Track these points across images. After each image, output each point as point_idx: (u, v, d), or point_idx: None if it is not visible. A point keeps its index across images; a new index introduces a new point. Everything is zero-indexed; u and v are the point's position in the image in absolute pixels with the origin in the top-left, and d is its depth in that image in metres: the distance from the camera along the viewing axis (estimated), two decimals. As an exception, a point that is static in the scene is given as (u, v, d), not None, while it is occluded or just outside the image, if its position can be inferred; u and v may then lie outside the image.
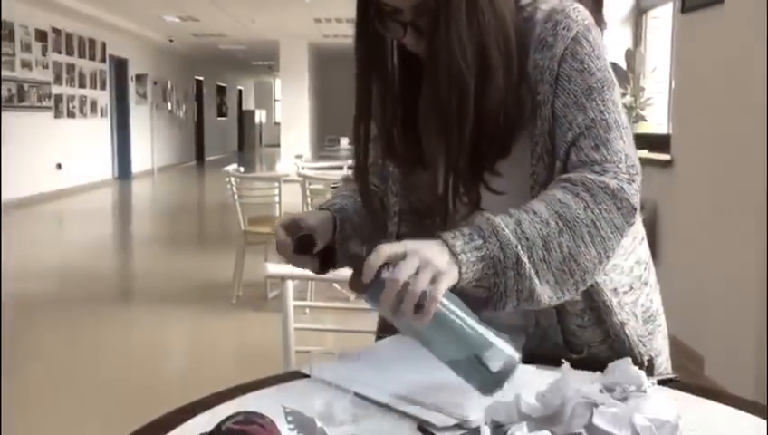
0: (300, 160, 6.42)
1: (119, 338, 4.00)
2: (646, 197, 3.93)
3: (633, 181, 0.92)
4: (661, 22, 4.60)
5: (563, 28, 0.95)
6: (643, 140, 4.27)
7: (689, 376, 3.07)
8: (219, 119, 22.23)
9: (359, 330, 1.57)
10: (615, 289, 1.02)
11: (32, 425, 2.86)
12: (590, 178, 0.90)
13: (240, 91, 25.96)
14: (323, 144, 13.88)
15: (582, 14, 0.97)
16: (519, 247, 0.86)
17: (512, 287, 0.87)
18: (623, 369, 0.81)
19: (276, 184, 4.47)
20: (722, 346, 2.98)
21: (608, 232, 0.90)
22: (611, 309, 1.01)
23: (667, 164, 3.68)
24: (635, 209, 0.92)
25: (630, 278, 1.05)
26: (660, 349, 1.10)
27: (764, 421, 0.85)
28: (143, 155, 14.57)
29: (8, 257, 5.63)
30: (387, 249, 0.83)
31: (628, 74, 4.38)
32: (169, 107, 16.63)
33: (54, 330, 4.12)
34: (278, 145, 15.62)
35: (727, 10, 2.97)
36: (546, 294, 0.88)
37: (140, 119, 14.49)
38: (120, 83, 13.67)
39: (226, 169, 4.61)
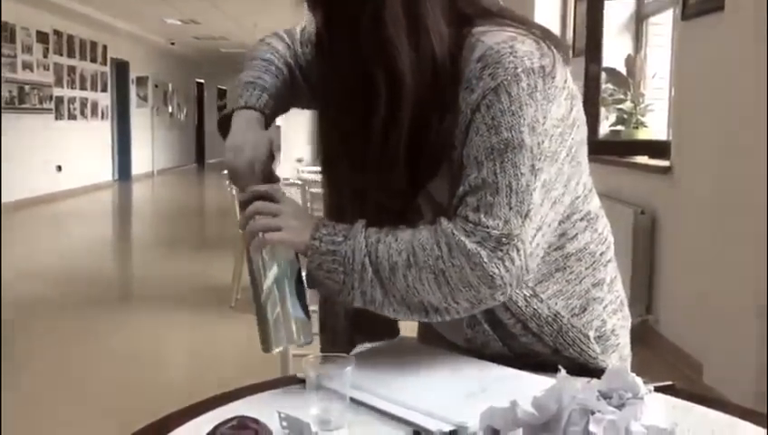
0: (300, 164, 6.43)
1: (118, 341, 4.00)
2: (645, 203, 3.94)
3: (499, 250, 0.90)
4: (661, 28, 4.60)
5: (489, 75, 0.91)
6: (643, 147, 4.27)
7: (688, 383, 3.07)
8: (220, 122, 22.25)
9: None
10: (557, 313, 1.03)
11: (31, 428, 2.85)
12: (455, 235, 0.91)
13: (241, 94, 26.01)
14: (324, 148, 13.89)
15: (519, 60, 0.91)
16: (366, 257, 0.93)
17: (357, 288, 0.94)
18: (620, 375, 0.81)
19: (276, 187, 4.48)
20: (721, 353, 2.98)
21: (458, 284, 0.91)
22: (548, 334, 1.03)
23: (666, 170, 3.68)
24: (490, 276, 0.90)
25: (584, 300, 1.06)
26: None
27: (763, 430, 0.85)
28: (143, 157, 14.57)
29: (7, 260, 5.63)
30: (265, 190, 1.00)
31: (628, 80, 4.39)
32: (170, 110, 16.65)
33: (53, 332, 4.11)
34: (279, 148, 15.64)
35: (727, 17, 2.97)
36: (392, 307, 0.95)
37: (141, 121, 14.50)
38: (121, 86, 13.68)
39: (226, 171, 4.61)
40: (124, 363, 3.62)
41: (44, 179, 10.29)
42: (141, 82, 14.53)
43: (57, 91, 10.87)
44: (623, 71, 4.43)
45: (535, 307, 1.02)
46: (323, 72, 1.03)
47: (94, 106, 12.36)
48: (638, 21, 4.76)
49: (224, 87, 22.61)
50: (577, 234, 1.04)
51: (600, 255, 1.07)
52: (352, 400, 0.87)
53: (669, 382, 0.97)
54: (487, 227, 0.90)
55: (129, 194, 12.43)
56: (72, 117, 11.44)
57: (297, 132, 14.54)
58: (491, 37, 0.93)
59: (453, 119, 0.95)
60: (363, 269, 0.93)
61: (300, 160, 6.84)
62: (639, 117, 4.39)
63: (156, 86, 15.40)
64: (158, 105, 15.64)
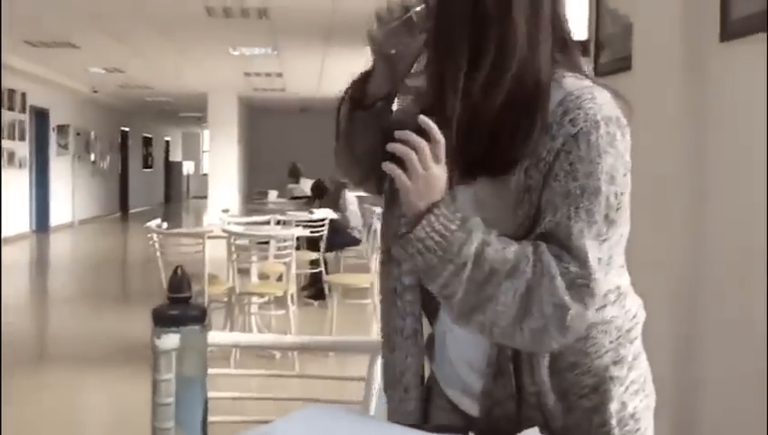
0: (226, 215, 6.33)
1: (32, 404, 3.78)
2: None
3: (574, 288, 0.92)
4: (577, 83, 4.80)
5: (569, 121, 0.94)
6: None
7: None
8: (145, 170, 21.78)
9: (283, 398, 1.54)
10: (567, 390, 1.01)
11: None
12: (547, 257, 0.93)
13: (167, 141, 25.59)
14: (252, 197, 13.79)
15: (597, 107, 0.95)
16: (470, 260, 0.92)
17: (444, 277, 0.92)
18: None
19: (201, 240, 4.39)
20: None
21: (532, 307, 0.92)
22: (556, 410, 1.01)
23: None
24: (563, 307, 0.91)
25: (599, 379, 1.02)
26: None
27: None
28: (63, 207, 14.08)
29: None
30: (437, 136, 0.94)
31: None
32: (92, 158, 16.21)
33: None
34: (205, 197, 15.40)
35: (636, 76, 3.13)
36: (458, 308, 0.94)
37: (61, 170, 14.05)
38: (41, 134, 13.25)
39: (149, 224, 4.50)
40: (39, 427, 3.43)
41: (-45, 232, 9.80)
42: (62, 130, 14.13)
43: (-29, 140, 10.45)
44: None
45: (546, 378, 1.00)
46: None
47: (11, 155, 11.90)
48: (555, 76, 4.96)
49: (149, 135, 22.23)
50: (606, 305, 1.01)
51: (627, 331, 1.04)
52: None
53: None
54: (566, 263, 0.92)
55: (47, 246, 11.95)
56: (-14, 166, 10.99)
57: (224, 182, 14.39)
58: (570, 83, 0.97)
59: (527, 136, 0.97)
60: (463, 266, 0.91)
61: (226, 211, 6.72)
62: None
63: (78, 134, 15.00)
64: (80, 153, 15.20)
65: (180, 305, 0.95)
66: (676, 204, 2.71)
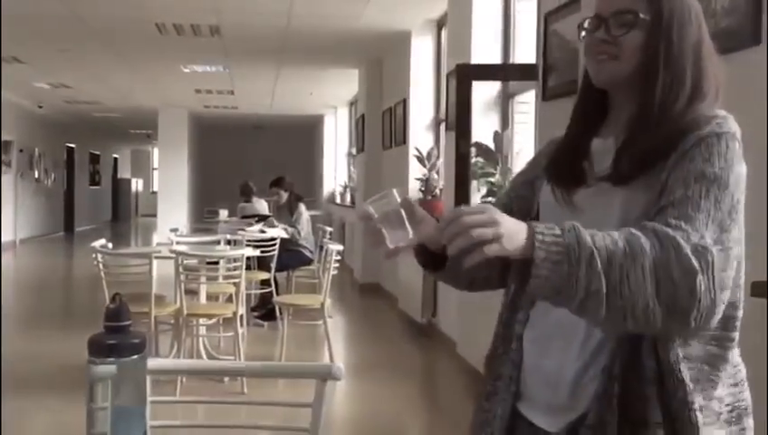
0: (174, 235, 6.21)
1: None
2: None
3: (698, 253, 0.95)
4: (527, 106, 4.89)
5: (717, 123, 1.05)
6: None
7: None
8: (92, 187, 21.30)
9: (230, 425, 1.50)
10: (685, 382, 1.02)
11: None
12: (664, 230, 0.96)
13: (116, 159, 25.08)
14: (202, 216, 13.59)
15: (736, 129, 1.07)
16: (594, 249, 0.94)
17: (583, 278, 0.93)
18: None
19: (147, 260, 4.29)
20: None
21: (663, 277, 0.94)
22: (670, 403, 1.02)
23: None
24: (695, 271, 0.94)
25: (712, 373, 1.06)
26: None
27: None
28: (5, 226, 13.64)
29: None
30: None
31: (496, 155, 4.60)
32: (36, 175, 15.78)
33: None
34: (155, 215, 15.12)
35: (582, 100, 3.19)
36: (606, 303, 0.94)
37: (3, 188, 13.62)
38: (-18, 150, 12.86)
39: (93, 244, 4.38)
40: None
41: None
42: (5, 146, 13.72)
43: None
44: (492, 146, 4.65)
45: (680, 367, 1.02)
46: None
47: (-50, 172, 11.51)
48: (505, 99, 5.04)
49: (96, 151, 21.76)
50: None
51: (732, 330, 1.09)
52: None
53: None
54: (688, 232, 0.96)
55: (-13, 265, 11.53)
56: None
57: (174, 200, 14.15)
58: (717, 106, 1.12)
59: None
60: (592, 256, 0.92)
61: (174, 230, 6.60)
62: (508, 189, 4.58)
63: (21, 151, 14.59)
64: (24, 170, 14.78)
65: (118, 334, 0.92)
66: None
